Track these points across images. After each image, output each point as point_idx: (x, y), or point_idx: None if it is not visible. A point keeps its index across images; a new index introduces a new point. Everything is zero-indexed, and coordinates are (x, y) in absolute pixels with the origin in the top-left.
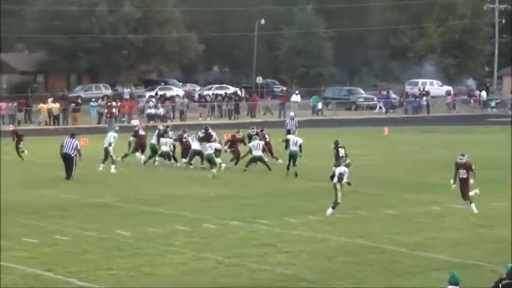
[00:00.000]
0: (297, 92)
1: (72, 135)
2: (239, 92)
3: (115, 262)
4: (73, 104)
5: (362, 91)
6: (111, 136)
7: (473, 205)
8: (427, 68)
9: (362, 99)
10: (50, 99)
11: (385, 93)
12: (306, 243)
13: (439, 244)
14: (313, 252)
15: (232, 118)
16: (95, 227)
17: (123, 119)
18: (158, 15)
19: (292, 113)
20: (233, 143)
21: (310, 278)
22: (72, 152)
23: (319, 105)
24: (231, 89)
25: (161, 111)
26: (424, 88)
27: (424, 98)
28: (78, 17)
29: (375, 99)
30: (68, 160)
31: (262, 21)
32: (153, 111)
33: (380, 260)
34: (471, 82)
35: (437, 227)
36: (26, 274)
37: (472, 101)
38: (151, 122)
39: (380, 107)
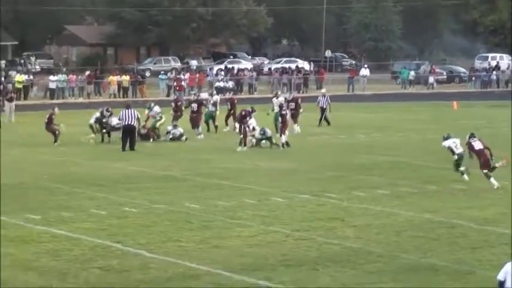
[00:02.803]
0: (365, 65)
1: (128, 106)
2: (307, 66)
3: (184, 234)
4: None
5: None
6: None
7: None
8: (497, 42)
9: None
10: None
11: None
12: (373, 217)
13: (507, 219)
14: (381, 226)
15: (301, 92)
16: (163, 199)
17: (192, 92)
18: None
19: (323, 90)
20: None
21: (378, 251)
22: (134, 122)
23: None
24: (300, 63)
25: (230, 84)
26: (492, 63)
27: (494, 72)
28: None
29: (444, 73)
30: (131, 131)
31: None
32: (222, 84)
33: (448, 235)
34: None
35: (507, 202)
36: (95, 245)
37: None
38: (220, 94)
39: (432, 84)
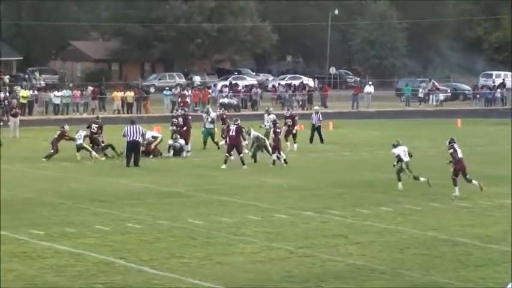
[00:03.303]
0: (370, 82)
1: (133, 122)
2: (312, 83)
3: (187, 251)
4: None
5: (435, 83)
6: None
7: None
8: (501, 59)
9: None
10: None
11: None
12: (377, 235)
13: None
14: (385, 243)
15: (305, 108)
16: (167, 215)
17: (196, 108)
18: (232, 4)
19: (316, 107)
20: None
21: (381, 268)
22: (139, 138)
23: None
24: (304, 79)
25: (234, 100)
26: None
27: (499, 90)
28: (152, 5)
29: (448, 91)
30: (136, 147)
31: (336, 12)
32: (226, 100)
33: (452, 252)
34: None
35: (510, 220)
36: (98, 261)
37: None
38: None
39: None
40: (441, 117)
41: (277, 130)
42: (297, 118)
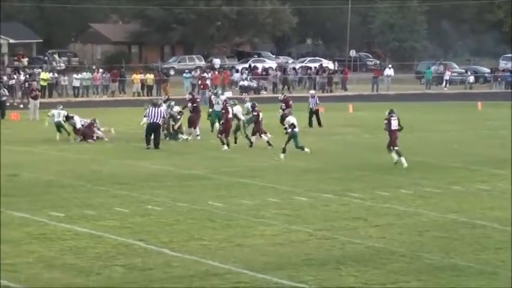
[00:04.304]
0: (390, 65)
1: (155, 105)
2: (332, 65)
3: (207, 233)
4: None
5: (456, 65)
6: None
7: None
8: None
9: (456, 74)
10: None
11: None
12: (397, 217)
13: None
14: (404, 226)
15: (325, 91)
16: (186, 198)
17: (216, 90)
18: None
19: (312, 91)
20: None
21: (400, 251)
22: (159, 120)
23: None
24: (324, 62)
25: (254, 83)
26: None
27: None
28: None
29: (469, 73)
30: (156, 129)
31: None
32: (246, 83)
33: (471, 235)
34: None
35: None
36: (117, 243)
37: None
38: (244, 94)
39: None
40: (462, 100)
41: (254, 113)
42: (291, 102)
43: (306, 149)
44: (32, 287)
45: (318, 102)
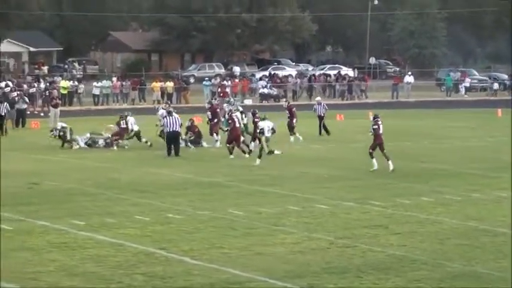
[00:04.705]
0: (409, 72)
1: (170, 113)
2: (351, 73)
3: (227, 241)
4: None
5: (476, 72)
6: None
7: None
8: None
9: (476, 81)
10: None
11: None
12: (418, 225)
13: None
14: (425, 233)
15: (345, 98)
16: (207, 206)
17: (236, 98)
18: None
19: (318, 98)
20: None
21: (422, 259)
22: (178, 128)
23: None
24: (344, 70)
25: (274, 91)
26: None
27: None
28: None
29: (491, 80)
30: (176, 137)
31: (376, 2)
32: (265, 91)
33: (492, 243)
34: None
35: None
36: (138, 252)
37: None
38: (263, 101)
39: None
40: (482, 106)
41: (255, 120)
42: (294, 110)
43: (276, 151)
44: None
45: (326, 108)
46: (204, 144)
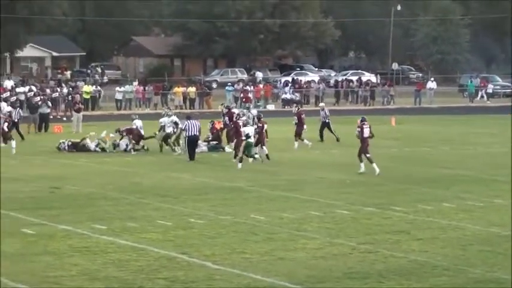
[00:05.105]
0: (432, 78)
1: (189, 117)
2: (374, 78)
3: (249, 246)
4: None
5: (499, 78)
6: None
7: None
8: None
9: (498, 87)
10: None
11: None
12: (440, 231)
13: None
14: (447, 239)
15: (368, 104)
16: (229, 210)
17: (259, 104)
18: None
19: (322, 104)
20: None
21: (444, 265)
22: (197, 132)
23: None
24: (367, 75)
25: (296, 96)
26: None
27: None
28: (214, 1)
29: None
30: (196, 142)
31: (399, 7)
32: (288, 96)
33: None
34: None
35: None
36: (160, 256)
37: None
38: (286, 107)
39: (482, 96)
40: (505, 112)
41: (259, 124)
42: (303, 116)
43: (257, 156)
44: None
45: (328, 114)
46: (227, 148)
